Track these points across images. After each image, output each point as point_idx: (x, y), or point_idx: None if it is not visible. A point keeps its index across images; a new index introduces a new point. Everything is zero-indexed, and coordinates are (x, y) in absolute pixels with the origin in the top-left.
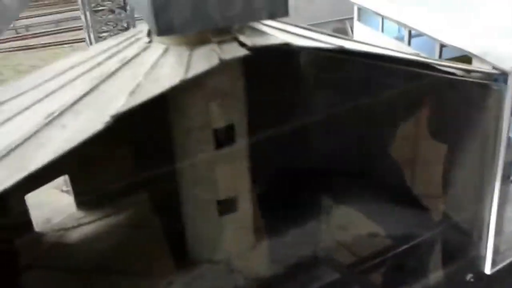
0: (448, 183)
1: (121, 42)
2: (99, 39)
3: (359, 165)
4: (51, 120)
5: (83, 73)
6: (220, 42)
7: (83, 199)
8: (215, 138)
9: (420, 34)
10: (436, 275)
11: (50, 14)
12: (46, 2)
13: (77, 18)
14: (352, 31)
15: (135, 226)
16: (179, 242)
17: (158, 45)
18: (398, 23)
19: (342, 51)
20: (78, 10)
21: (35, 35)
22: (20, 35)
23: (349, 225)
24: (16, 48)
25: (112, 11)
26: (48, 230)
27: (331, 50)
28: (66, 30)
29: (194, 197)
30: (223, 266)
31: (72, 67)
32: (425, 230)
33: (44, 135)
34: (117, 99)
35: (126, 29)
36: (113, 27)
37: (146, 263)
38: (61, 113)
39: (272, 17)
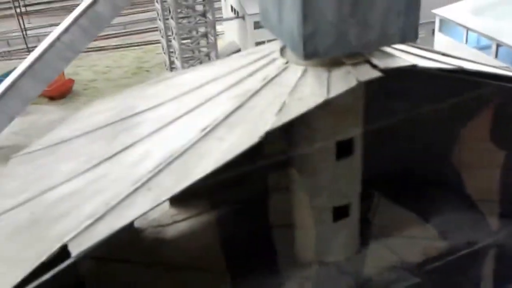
0: None
1: (255, 61)
2: (182, 44)
3: (449, 177)
4: (207, 133)
5: (225, 90)
6: (353, 64)
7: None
8: (337, 150)
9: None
10: None
11: (118, 16)
12: None
13: (143, 21)
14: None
15: (232, 225)
16: (285, 244)
17: (296, 66)
18: (486, 36)
19: (461, 71)
20: (144, 13)
21: (105, 37)
22: None
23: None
24: (89, 49)
25: (191, 18)
26: (145, 226)
27: (452, 70)
28: (134, 32)
29: (311, 202)
30: (334, 268)
31: (207, 83)
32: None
33: (203, 146)
34: (266, 115)
35: (205, 35)
36: (188, 32)
37: (247, 263)
38: (215, 127)
39: (403, 41)
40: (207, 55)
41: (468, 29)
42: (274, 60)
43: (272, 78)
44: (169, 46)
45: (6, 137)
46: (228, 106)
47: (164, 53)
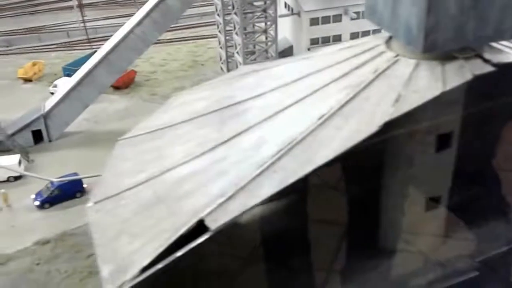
0: None
1: (359, 54)
2: (245, 39)
3: None
4: (324, 121)
5: (332, 81)
6: (466, 58)
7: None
8: (437, 142)
9: None
10: None
11: None
12: None
13: (194, 16)
14: None
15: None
16: (367, 231)
17: (407, 60)
18: None
19: None
20: (195, 8)
21: None
22: None
23: None
24: None
25: (250, 14)
26: None
27: None
28: (186, 27)
29: (406, 193)
30: (420, 257)
31: (309, 74)
32: None
33: (321, 134)
34: (382, 106)
35: (265, 31)
36: (244, 28)
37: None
38: (331, 116)
39: None
40: (266, 50)
41: None
42: (381, 53)
43: (384, 71)
44: (226, 41)
45: (79, 124)
46: (340, 97)
47: (221, 47)
